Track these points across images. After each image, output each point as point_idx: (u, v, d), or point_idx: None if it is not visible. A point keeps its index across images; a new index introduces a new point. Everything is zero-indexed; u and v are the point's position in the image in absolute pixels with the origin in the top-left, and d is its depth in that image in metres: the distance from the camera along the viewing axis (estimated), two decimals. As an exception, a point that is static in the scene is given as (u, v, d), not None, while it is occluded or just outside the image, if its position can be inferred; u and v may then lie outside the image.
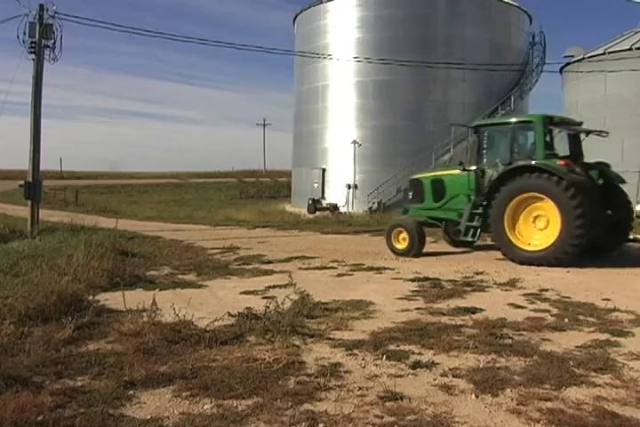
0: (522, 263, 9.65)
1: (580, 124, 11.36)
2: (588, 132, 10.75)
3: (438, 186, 11.39)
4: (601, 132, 10.96)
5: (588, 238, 9.40)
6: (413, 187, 12.01)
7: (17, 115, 77.68)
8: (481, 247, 11.88)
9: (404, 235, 11.20)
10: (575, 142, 10.79)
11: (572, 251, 9.30)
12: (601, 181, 10.17)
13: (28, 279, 7.49)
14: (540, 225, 9.80)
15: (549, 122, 10.26)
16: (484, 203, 10.37)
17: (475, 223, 10.53)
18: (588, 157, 10.75)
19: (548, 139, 10.26)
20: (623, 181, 10.43)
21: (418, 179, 12.01)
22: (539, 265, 9.42)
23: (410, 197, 12.10)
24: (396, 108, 25.86)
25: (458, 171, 11.08)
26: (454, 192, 11.12)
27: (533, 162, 9.86)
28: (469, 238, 10.73)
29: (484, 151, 10.88)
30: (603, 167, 10.36)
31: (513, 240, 9.88)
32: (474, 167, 10.80)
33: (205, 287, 8.25)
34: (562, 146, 11.04)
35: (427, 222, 11.59)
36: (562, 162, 9.71)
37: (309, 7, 29.41)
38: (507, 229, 9.88)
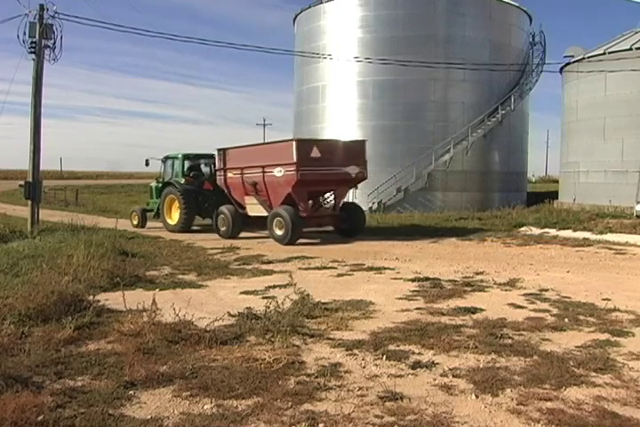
0: (170, 231, 17.08)
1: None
2: (211, 164, 18.18)
3: (156, 190, 19.11)
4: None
5: (191, 220, 17.41)
6: (150, 189, 20.04)
7: (17, 115, 77.68)
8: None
9: (136, 216, 18.85)
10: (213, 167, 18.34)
11: (181, 226, 17.08)
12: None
13: (28, 279, 7.48)
14: (180, 212, 17.26)
15: (187, 157, 18.31)
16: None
17: (157, 211, 18.48)
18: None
19: (196, 166, 18.51)
20: None
21: (150, 185, 20.12)
22: (176, 232, 16.75)
23: (149, 195, 20.08)
24: (397, 108, 25.74)
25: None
26: (159, 194, 18.80)
27: (169, 180, 18.17)
28: (155, 218, 18.62)
29: (164, 172, 18.97)
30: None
31: (168, 220, 17.77)
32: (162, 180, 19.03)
33: (205, 287, 8.25)
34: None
35: (151, 209, 19.00)
36: (187, 179, 17.60)
37: (309, 7, 29.31)
38: (165, 215, 17.87)
